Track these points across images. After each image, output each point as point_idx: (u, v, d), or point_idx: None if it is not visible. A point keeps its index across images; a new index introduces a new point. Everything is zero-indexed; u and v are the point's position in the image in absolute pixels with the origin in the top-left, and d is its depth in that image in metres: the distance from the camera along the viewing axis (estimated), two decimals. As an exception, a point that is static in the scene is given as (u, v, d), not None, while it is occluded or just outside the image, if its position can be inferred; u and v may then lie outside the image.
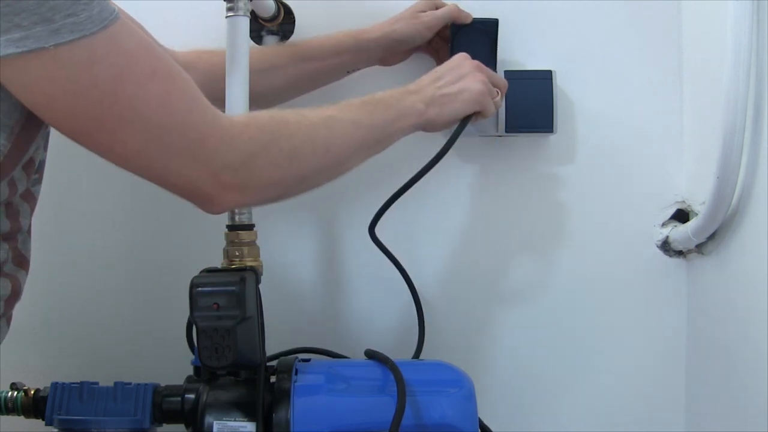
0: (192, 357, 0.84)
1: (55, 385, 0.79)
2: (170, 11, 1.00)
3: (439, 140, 0.88)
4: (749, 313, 0.85)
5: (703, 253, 0.96)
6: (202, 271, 0.76)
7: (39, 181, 0.73)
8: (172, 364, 0.85)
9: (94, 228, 1.04)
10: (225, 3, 0.80)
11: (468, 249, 1.04)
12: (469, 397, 0.79)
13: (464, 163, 1.03)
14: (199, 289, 0.72)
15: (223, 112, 0.78)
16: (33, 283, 0.75)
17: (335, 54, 0.95)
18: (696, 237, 0.94)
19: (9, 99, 0.58)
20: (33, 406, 0.80)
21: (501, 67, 0.98)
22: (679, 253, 1.01)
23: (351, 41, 0.95)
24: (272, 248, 0.97)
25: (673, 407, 1.02)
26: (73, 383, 0.79)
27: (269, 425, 0.75)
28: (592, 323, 1.03)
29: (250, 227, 0.80)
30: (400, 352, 0.83)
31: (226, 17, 0.80)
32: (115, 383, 0.79)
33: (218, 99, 0.83)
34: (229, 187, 0.65)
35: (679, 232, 0.98)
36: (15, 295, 0.72)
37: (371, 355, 0.82)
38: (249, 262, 0.79)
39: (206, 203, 0.66)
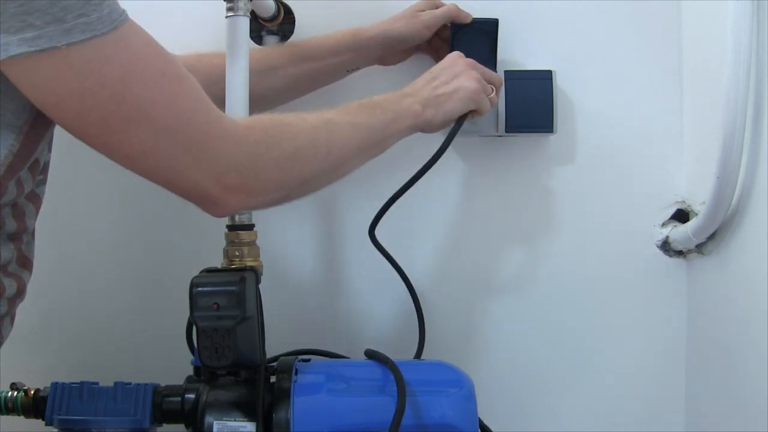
0: (192, 357, 0.84)
1: (55, 385, 0.80)
2: (170, 11, 1.00)
3: (439, 139, 0.88)
4: (749, 313, 0.85)
5: (703, 253, 0.96)
6: (202, 271, 0.76)
7: (44, 182, 0.73)
8: (172, 364, 0.85)
9: (94, 228, 1.04)
10: (225, 3, 0.80)
11: (468, 249, 1.04)
12: (469, 397, 0.79)
13: (464, 163, 1.03)
14: (199, 289, 0.72)
15: (224, 112, 0.78)
16: (33, 283, 0.75)
17: (334, 53, 0.95)
18: (696, 237, 0.94)
19: (19, 99, 0.59)
20: (33, 406, 0.80)
21: (501, 67, 0.98)
22: (679, 253, 1.01)
23: (350, 40, 0.95)
24: (272, 248, 0.97)
25: (673, 407, 1.02)
26: (73, 383, 0.79)
27: (269, 425, 0.75)
28: (592, 323, 1.03)
29: (250, 227, 0.81)
30: (400, 352, 0.83)
31: (226, 17, 0.80)
32: (115, 383, 0.79)
33: (219, 100, 0.83)
34: (233, 189, 0.65)
35: (679, 232, 0.98)
36: (20, 294, 0.72)
37: (371, 355, 0.82)
38: (249, 262, 0.79)
39: (210, 206, 0.67)
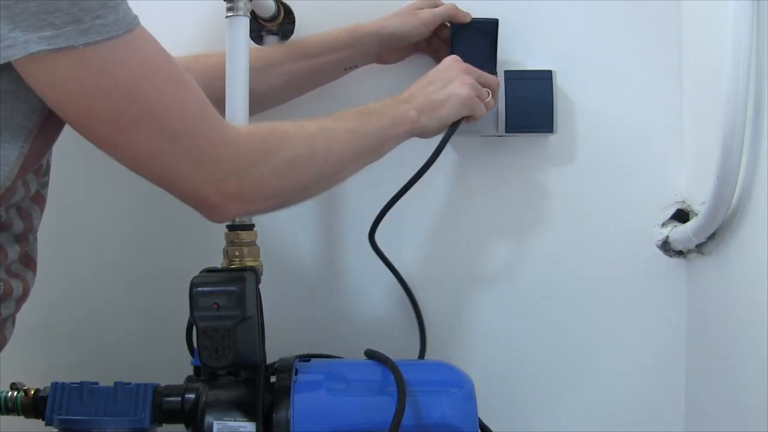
0: (192, 357, 0.84)
1: (55, 385, 0.80)
2: (170, 11, 1.00)
3: (437, 141, 0.88)
4: (749, 313, 0.85)
5: (703, 253, 0.96)
6: (202, 271, 0.76)
7: (47, 183, 0.74)
8: (172, 364, 0.85)
9: (94, 228, 1.04)
10: (225, 3, 0.80)
11: (467, 249, 1.04)
12: (469, 397, 0.79)
13: (464, 163, 1.03)
14: (199, 289, 0.72)
15: (223, 111, 0.78)
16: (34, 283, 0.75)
17: (332, 50, 0.95)
18: (696, 237, 0.94)
19: (29, 101, 0.60)
20: (33, 406, 0.80)
21: (501, 67, 0.98)
22: (679, 253, 1.01)
23: (346, 36, 0.95)
24: (272, 248, 0.97)
25: (673, 407, 1.02)
26: (73, 383, 0.79)
27: (269, 425, 0.75)
28: (592, 323, 1.03)
29: (250, 227, 0.81)
30: (400, 352, 0.83)
31: (226, 17, 0.80)
32: (115, 383, 0.79)
33: (217, 98, 0.84)
34: (232, 195, 0.66)
35: (679, 232, 0.98)
36: (25, 295, 0.73)
37: (371, 355, 0.82)
38: (249, 262, 0.79)
39: (210, 211, 0.68)
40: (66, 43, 0.55)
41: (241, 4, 0.79)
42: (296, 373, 0.78)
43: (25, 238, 0.72)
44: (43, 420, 0.79)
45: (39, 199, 0.73)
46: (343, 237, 1.04)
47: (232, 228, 0.80)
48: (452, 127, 0.89)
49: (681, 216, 1.01)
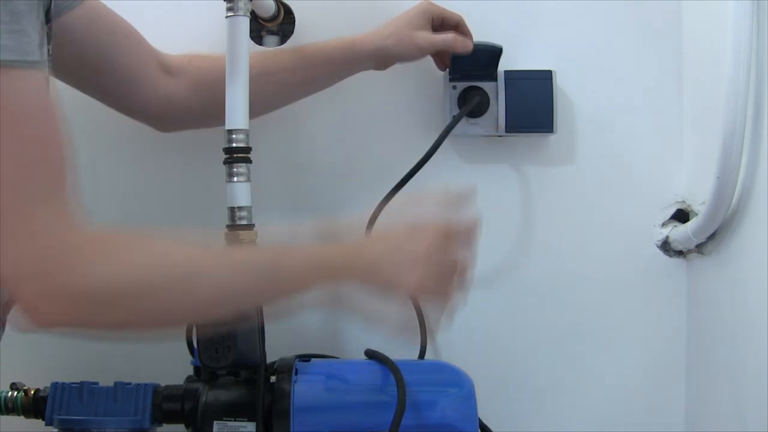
0: (192, 357, 0.84)
1: (55, 385, 0.80)
2: (170, 11, 1.00)
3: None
4: (749, 313, 0.85)
5: (703, 253, 0.96)
6: (202, 271, 0.76)
7: None
8: (172, 364, 0.85)
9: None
10: (225, 3, 0.80)
11: (468, 249, 1.04)
12: (469, 397, 0.79)
13: (464, 163, 1.03)
14: (199, 289, 0.72)
15: (223, 111, 0.77)
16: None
17: (328, 63, 0.93)
18: (696, 237, 0.94)
19: None
20: (33, 406, 0.80)
21: (501, 67, 0.98)
22: (679, 253, 1.01)
23: (344, 52, 0.92)
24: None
25: (673, 407, 1.02)
26: (73, 383, 0.80)
27: (269, 425, 0.75)
28: (592, 323, 1.03)
29: (250, 227, 0.80)
30: (400, 352, 0.83)
31: (226, 17, 0.80)
32: (115, 383, 0.79)
33: (207, 105, 0.82)
34: (52, 295, 0.57)
35: (679, 232, 0.98)
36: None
37: (371, 355, 0.82)
38: (249, 262, 0.79)
39: (23, 307, 0.58)
40: None
41: (241, 4, 0.79)
42: (296, 373, 0.78)
43: None
44: (43, 420, 0.79)
45: None
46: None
47: (232, 228, 0.80)
48: None
49: (681, 216, 1.01)
